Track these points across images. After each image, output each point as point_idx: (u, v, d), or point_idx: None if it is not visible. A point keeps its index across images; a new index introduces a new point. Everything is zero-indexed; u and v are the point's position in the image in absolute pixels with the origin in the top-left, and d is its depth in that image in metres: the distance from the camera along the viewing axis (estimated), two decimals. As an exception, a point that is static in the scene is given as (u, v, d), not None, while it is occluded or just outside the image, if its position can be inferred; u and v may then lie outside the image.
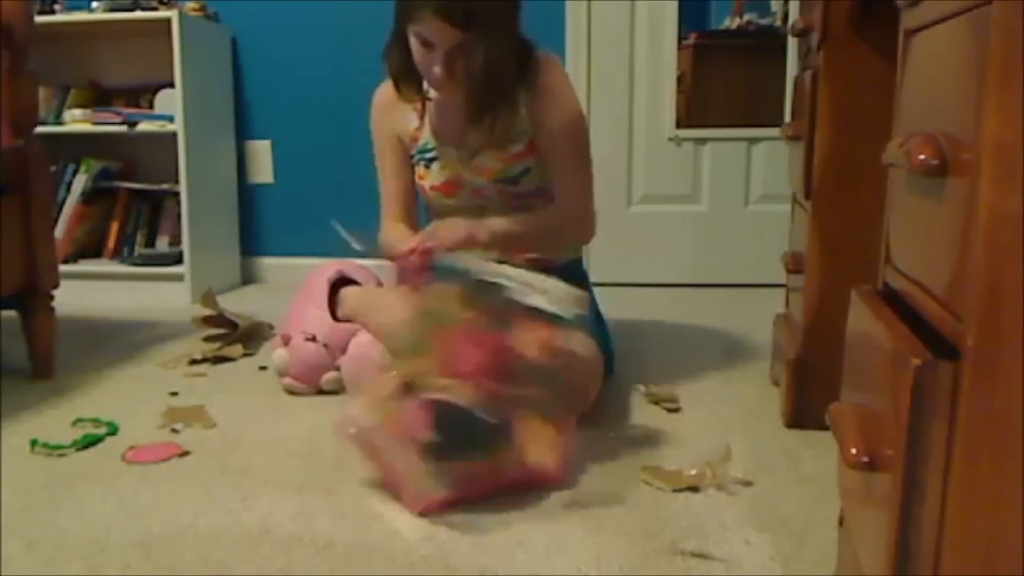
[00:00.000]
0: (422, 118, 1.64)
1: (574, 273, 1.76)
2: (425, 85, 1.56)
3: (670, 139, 2.82)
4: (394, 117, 1.66)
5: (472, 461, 1.16)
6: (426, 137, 1.64)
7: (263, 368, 1.82)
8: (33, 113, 1.78)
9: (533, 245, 1.58)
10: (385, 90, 1.67)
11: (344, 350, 1.58)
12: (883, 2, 1.23)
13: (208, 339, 2.03)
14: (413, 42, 1.45)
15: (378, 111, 1.70)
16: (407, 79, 1.56)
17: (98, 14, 2.61)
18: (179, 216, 2.65)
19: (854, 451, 0.67)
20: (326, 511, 1.15)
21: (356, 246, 1.41)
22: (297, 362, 1.64)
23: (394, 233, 1.66)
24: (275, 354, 1.68)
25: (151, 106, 2.72)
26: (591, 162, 1.63)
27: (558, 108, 1.56)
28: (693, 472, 1.24)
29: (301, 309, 1.74)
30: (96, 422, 1.49)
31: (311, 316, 1.69)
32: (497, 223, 1.54)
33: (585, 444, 1.37)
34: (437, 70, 1.44)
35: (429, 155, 1.63)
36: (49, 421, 1.52)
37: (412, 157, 1.67)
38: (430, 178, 1.63)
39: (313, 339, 1.64)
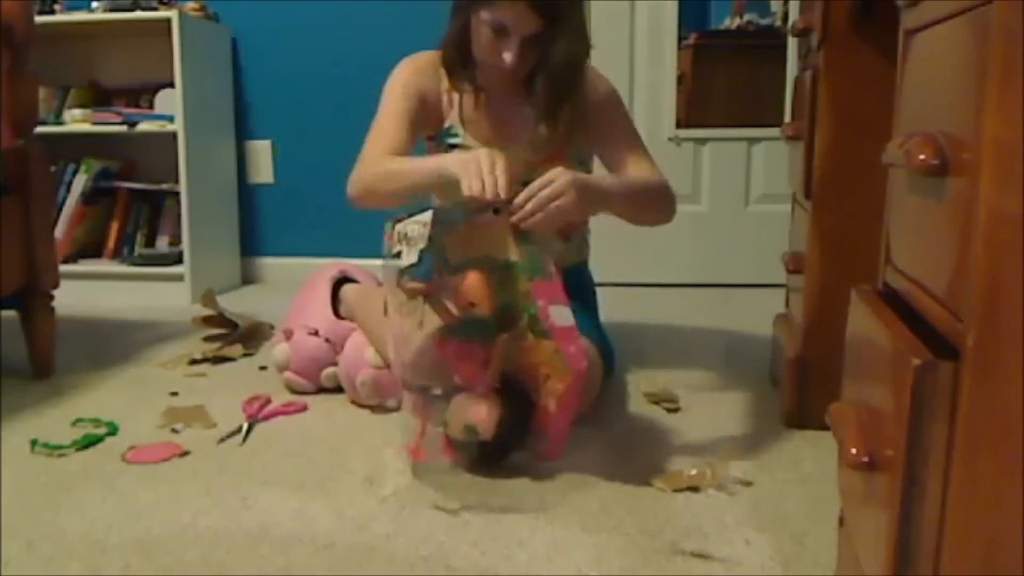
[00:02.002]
0: (451, 104, 1.59)
1: (580, 276, 1.76)
2: (480, 77, 1.51)
3: (670, 139, 2.82)
4: (427, 82, 1.58)
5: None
6: (452, 122, 1.59)
7: (263, 368, 1.82)
8: (33, 113, 1.78)
9: (641, 209, 1.50)
10: (422, 57, 1.60)
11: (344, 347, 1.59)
12: (883, 2, 1.23)
13: (208, 339, 2.03)
14: (482, 29, 1.41)
15: (410, 69, 1.59)
16: (462, 68, 1.51)
17: (98, 14, 2.61)
18: (179, 216, 2.65)
19: (854, 451, 0.67)
20: (326, 511, 1.15)
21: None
22: (299, 356, 1.64)
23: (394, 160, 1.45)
24: (277, 348, 1.68)
25: (151, 106, 2.71)
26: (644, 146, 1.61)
27: (600, 96, 1.56)
28: (693, 472, 1.24)
29: (304, 306, 1.75)
30: (96, 422, 1.49)
31: (314, 311, 1.70)
32: (607, 179, 1.44)
33: (585, 444, 1.37)
34: (508, 56, 1.39)
35: (453, 140, 1.61)
36: (49, 421, 1.52)
37: (433, 138, 1.63)
38: None
39: (316, 333, 1.64)
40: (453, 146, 1.59)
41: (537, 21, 1.38)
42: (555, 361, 1.19)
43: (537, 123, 1.53)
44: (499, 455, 1.26)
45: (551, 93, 1.46)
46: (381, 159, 1.48)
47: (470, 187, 1.21)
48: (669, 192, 1.54)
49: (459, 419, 1.22)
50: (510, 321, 1.22)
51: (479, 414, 1.21)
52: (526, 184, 1.49)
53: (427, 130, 1.62)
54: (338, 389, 1.63)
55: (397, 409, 1.40)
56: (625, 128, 1.61)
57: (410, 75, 1.58)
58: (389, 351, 1.36)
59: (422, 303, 1.23)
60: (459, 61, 1.50)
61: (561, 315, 1.18)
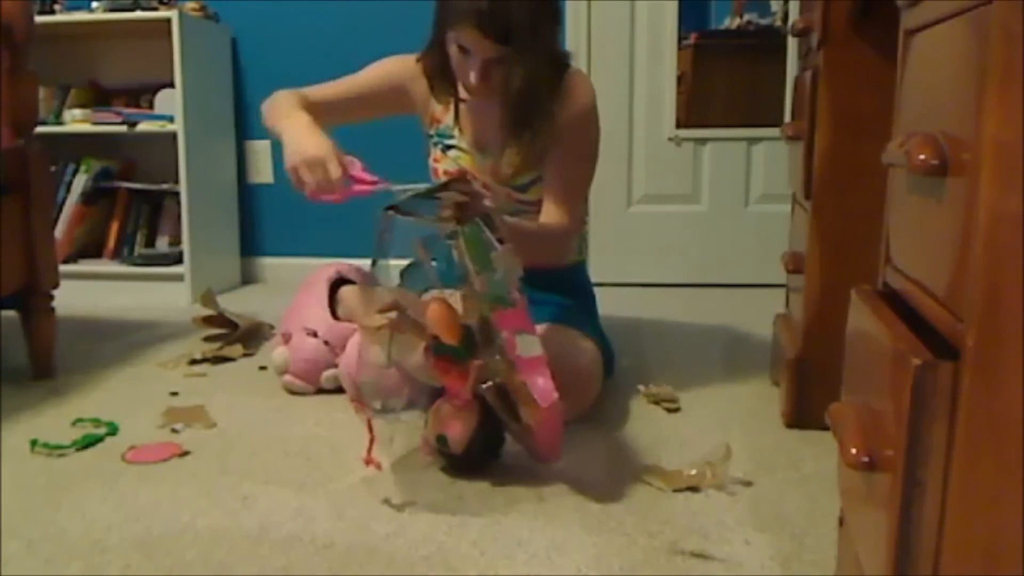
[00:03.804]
0: (447, 107, 1.61)
1: (577, 276, 1.76)
2: (460, 88, 1.53)
3: (670, 139, 2.82)
4: (419, 84, 1.60)
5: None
6: (448, 123, 1.62)
7: (263, 368, 1.82)
8: (33, 113, 1.78)
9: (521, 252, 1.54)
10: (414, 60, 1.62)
11: (344, 348, 1.58)
12: (883, 2, 1.23)
13: (208, 339, 2.03)
14: (452, 48, 1.44)
15: (405, 68, 1.62)
16: (442, 79, 1.54)
17: (98, 14, 2.61)
18: (179, 216, 2.65)
19: (854, 451, 0.67)
20: (326, 511, 1.15)
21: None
22: (298, 358, 1.64)
23: (294, 110, 1.54)
24: (276, 352, 1.68)
25: (151, 106, 2.72)
26: (586, 185, 1.60)
27: (572, 115, 1.53)
28: (693, 472, 1.24)
29: (301, 308, 1.74)
30: (96, 422, 1.49)
31: (312, 313, 1.70)
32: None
33: (585, 444, 1.37)
34: (473, 76, 1.43)
35: (448, 142, 1.63)
36: (49, 421, 1.52)
37: (430, 137, 1.66)
38: (445, 163, 1.64)
39: (314, 335, 1.64)
40: (449, 147, 1.62)
41: (493, 47, 1.39)
42: (524, 392, 1.14)
43: (505, 145, 1.55)
44: (466, 470, 1.26)
45: (511, 117, 1.48)
46: (297, 94, 1.58)
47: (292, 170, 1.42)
48: (559, 240, 1.55)
49: (436, 426, 1.23)
50: (487, 339, 1.19)
51: (452, 428, 1.22)
52: (515, 188, 1.57)
53: (426, 122, 1.66)
54: (338, 390, 1.63)
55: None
56: (575, 159, 1.56)
57: (401, 73, 1.62)
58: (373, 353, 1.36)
59: (389, 334, 1.24)
60: (439, 71, 1.53)
61: (528, 345, 1.12)
